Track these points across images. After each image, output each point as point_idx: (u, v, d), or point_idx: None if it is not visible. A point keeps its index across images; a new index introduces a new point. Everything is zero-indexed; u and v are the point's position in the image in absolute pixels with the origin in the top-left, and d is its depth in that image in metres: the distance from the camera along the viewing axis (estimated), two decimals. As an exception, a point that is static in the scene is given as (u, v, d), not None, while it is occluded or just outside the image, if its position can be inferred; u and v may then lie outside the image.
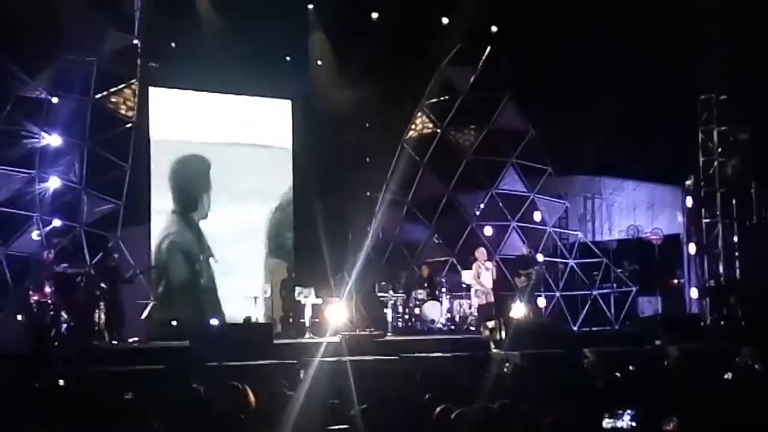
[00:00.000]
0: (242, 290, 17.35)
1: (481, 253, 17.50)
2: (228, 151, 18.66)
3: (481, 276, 17.34)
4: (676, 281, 19.17)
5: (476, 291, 17.39)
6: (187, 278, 17.92)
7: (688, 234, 18.98)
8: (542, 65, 17.58)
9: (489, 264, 17.45)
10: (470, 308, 17.60)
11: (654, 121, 17.26)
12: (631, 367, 8.28)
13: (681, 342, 13.00)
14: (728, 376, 7.35)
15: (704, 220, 18.68)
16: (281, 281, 17.72)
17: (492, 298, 17.18)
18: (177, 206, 18.00)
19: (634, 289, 18.17)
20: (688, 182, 18.91)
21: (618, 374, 7.83)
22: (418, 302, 17.65)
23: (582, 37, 17.15)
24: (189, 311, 17.36)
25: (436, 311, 17.60)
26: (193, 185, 18.22)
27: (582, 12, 17.25)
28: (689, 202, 18.88)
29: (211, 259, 18.06)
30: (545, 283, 18.37)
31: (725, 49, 17.59)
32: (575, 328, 17.65)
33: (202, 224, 18.21)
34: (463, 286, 18.25)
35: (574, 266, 18.53)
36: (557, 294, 18.32)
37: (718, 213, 18.47)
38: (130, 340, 15.36)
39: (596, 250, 18.69)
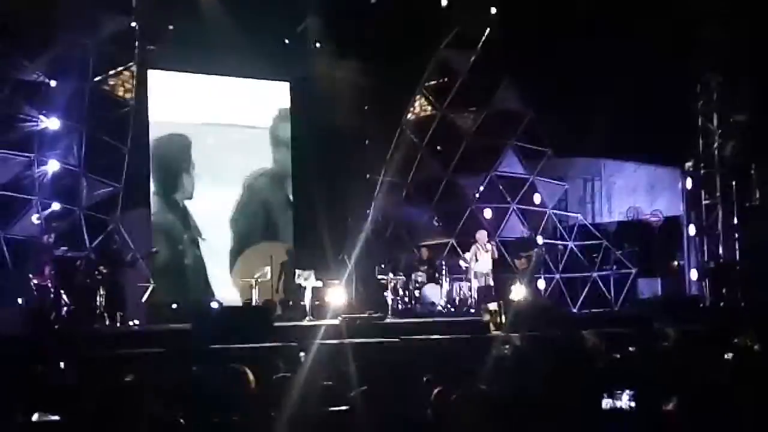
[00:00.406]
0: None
1: (481, 235, 17.50)
2: (226, 133, 18.67)
3: (478, 258, 17.33)
4: (675, 263, 19.17)
5: (475, 273, 17.39)
6: (170, 260, 17.92)
7: (687, 216, 18.96)
8: (541, 47, 17.51)
9: (489, 246, 17.44)
10: (470, 291, 17.61)
11: (653, 103, 17.21)
12: (630, 349, 8.28)
13: (681, 323, 13.00)
14: (728, 356, 7.36)
15: (704, 202, 18.66)
16: (281, 264, 17.72)
17: (491, 281, 17.20)
18: (158, 187, 18.09)
19: (633, 271, 18.19)
20: (687, 164, 18.88)
21: (617, 356, 7.84)
22: (417, 285, 17.67)
23: (582, 18, 17.09)
24: (175, 292, 17.41)
25: (435, 294, 17.62)
26: (172, 165, 18.28)
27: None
28: (689, 183, 18.85)
29: (199, 240, 18.09)
30: (545, 265, 18.38)
31: (724, 31, 17.50)
32: (575, 310, 17.68)
33: (189, 204, 18.22)
34: (463, 268, 18.26)
35: (574, 248, 18.55)
36: (557, 276, 18.35)
37: (717, 195, 18.44)
38: (131, 323, 15.38)
39: (596, 232, 18.70)
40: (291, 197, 19.44)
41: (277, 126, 19.53)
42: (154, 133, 18.09)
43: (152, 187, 18.02)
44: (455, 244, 18.85)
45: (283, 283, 17.58)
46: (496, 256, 17.38)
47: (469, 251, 17.57)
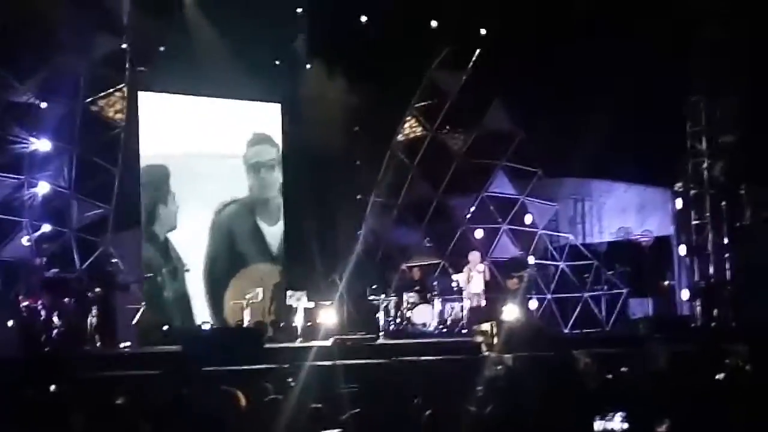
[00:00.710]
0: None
1: (474, 256, 17.47)
2: (214, 155, 18.61)
3: (470, 280, 17.31)
4: (666, 283, 19.21)
5: (467, 294, 17.38)
6: (152, 290, 17.68)
7: (678, 236, 19.01)
8: (531, 68, 17.60)
9: (481, 267, 17.42)
10: (462, 311, 17.59)
11: (643, 124, 17.30)
12: (622, 369, 8.28)
13: (672, 343, 13.01)
14: (720, 376, 7.36)
15: (694, 222, 18.72)
16: (272, 285, 17.67)
17: (483, 302, 17.18)
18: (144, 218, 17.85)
19: (624, 291, 18.21)
20: (677, 184, 18.95)
21: (609, 376, 7.84)
22: (409, 305, 17.63)
23: (571, 39, 17.19)
24: (164, 316, 17.28)
25: (427, 314, 17.58)
26: (151, 197, 17.95)
27: (571, 15, 17.30)
28: (679, 203, 18.92)
29: (182, 270, 17.85)
30: (536, 286, 18.39)
31: (713, 52, 17.64)
32: (566, 331, 17.68)
33: (172, 236, 18.02)
34: (454, 289, 18.25)
35: (565, 269, 18.58)
36: (548, 296, 18.36)
37: (707, 215, 18.51)
38: (122, 346, 15.30)
39: (587, 253, 18.74)
40: (277, 225, 19.25)
41: (264, 150, 19.42)
42: (164, 157, 17.97)
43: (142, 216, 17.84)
44: (446, 265, 18.85)
45: (274, 305, 17.51)
46: (488, 277, 17.36)
47: (461, 272, 17.55)
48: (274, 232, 19.10)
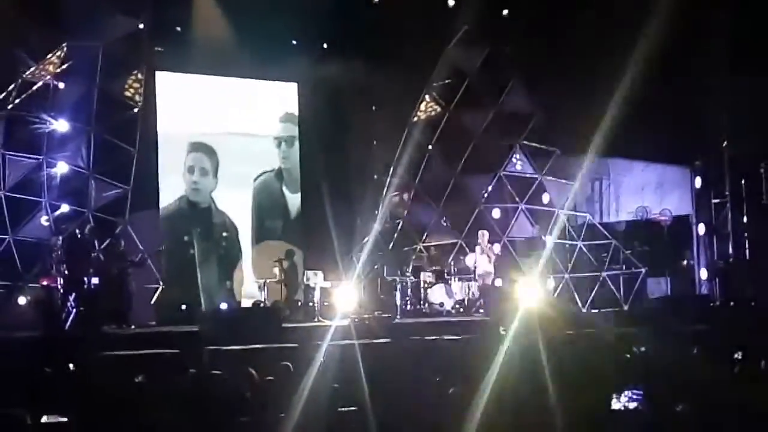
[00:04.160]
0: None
1: (481, 235, 17.43)
2: (233, 135, 18.68)
3: (477, 259, 17.26)
4: (685, 262, 19.12)
5: (478, 273, 17.32)
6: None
7: (697, 215, 18.90)
8: (549, 46, 17.48)
9: (489, 246, 17.33)
10: (477, 290, 17.58)
11: (662, 101, 17.15)
12: (641, 348, 8.27)
13: (690, 323, 12.98)
14: (738, 355, 7.33)
15: (713, 201, 18.59)
16: (290, 265, 17.67)
17: (491, 281, 17.11)
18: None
19: (643, 270, 18.13)
20: (696, 163, 18.82)
21: (627, 355, 7.83)
22: (426, 285, 17.63)
23: (589, 16, 17.05)
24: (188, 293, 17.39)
25: (444, 294, 17.57)
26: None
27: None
28: (698, 182, 18.79)
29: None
30: (554, 265, 18.33)
31: (733, 29, 17.45)
32: (584, 310, 17.63)
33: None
34: (470, 268, 18.25)
35: (583, 248, 18.50)
36: (566, 276, 18.30)
37: (727, 193, 18.37)
38: (134, 326, 15.32)
39: (605, 232, 18.65)
40: (299, 198, 19.37)
41: (284, 127, 19.47)
42: (181, 136, 18.07)
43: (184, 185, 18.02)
44: (463, 244, 18.82)
45: (288, 282, 17.56)
46: (493, 255, 17.25)
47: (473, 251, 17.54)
48: (295, 197, 19.37)
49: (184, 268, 17.60)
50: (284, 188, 19.33)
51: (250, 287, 17.80)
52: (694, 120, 18.11)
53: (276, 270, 17.18)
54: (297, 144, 19.43)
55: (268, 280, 16.90)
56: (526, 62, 18.23)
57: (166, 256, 17.46)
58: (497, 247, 17.56)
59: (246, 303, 17.09)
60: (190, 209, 18.09)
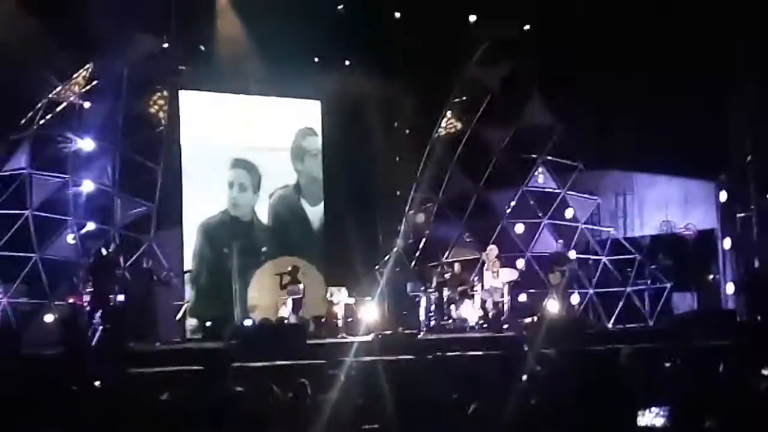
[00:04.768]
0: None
1: (489, 251, 17.26)
2: (259, 147, 18.80)
3: (484, 275, 17.13)
4: (711, 277, 18.95)
5: (488, 289, 17.12)
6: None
7: (722, 229, 18.75)
8: (571, 60, 17.47)
9: (495, 262, 17.14)
10: (503, 306, 17.49)
11: (685, 115, 17.08)
12: (666, 364, 8.20)
13: (717, 338, 12.86)
14: (766, 372, 7.25)
15: (738, 215, 18.44)
16: (292, 281, 17.58)
17: (502, 297, 16.90)
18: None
19: (668, 285, 17.99)
20: (721, 176, 18.69)
21: (653, 371, 7.77)
22: (450, 301, 17.59)
23: (612, 32, 17.04)
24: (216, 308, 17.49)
25: (468, 310, 17.52)
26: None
27: (611, 7, 17.15)
28: (723, 196, 18.65)
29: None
30: (578, 280, 18.24)
31: (758, 42, 17.35)
32: (609, 325, 17.52)
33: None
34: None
35: (607, 263, 18.40)
36: (590, 291, 18.20)
37: (752, 207, 18.23)
38: (159, 343, 15.40)
39: (629, 247, 18.54)
40: (319, 211, 19.44)
41: (304, 141, 19.56)
42: (205, 155, 18.27)
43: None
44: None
45: (315, 301, 17.61)
46: (498, 271, 17.04)
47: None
48: (315, 211, 19.48)
49: (221, 280, 17.71)
50: (303, 201, 19.41)
51: (255, 302, 17.79)
52: (717, 133, 18.00)
53: (301, 286, 17.22)
54: (317, 158, 19.49)
55: (291, 297, 16.94)
56: (547, 77, 18.20)
57: (205, 269, 17.65)
58: (505, 273, 17.25)
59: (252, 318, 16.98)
60: (232, 223, 18.43)
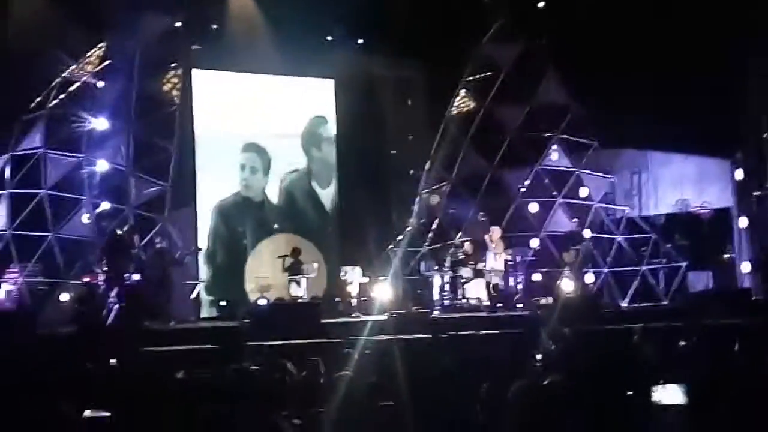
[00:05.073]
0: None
1: (491, 231, 16.84)
2: (271, 133, 18.81)
3: (487, 256, 16.77)
4: (726, 255, 18.87)
5: (489, 271, 16.79)
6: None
7: (738, 207, 18.64)
8: (585, 38, 17.34)
9: (498, 243, 16.79)
10: (516, 285, 17.46)
11: (701, 93, 16.95)
12: (681, 343, 8.18)
13: (732, 317, 12.82)
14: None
15: (754, 193, 18.33)
16: (295, 262, 17.54)
17: (499, 279, 16.67)
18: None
19: (683, 264, 17.92)
20: (737, 154, 18.56)
21: (668, 350, 7.75)
22: (463, 280, 17.57)
23: (627, 7, 16.89)
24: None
25: (481, 289, 17.50)
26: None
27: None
28: (739, 174, 18.53)
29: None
30: (593, 260, 18.19)
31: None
32: (624, 305, 17.49)
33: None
34: (509, 263, 18.15)
35: (622, 242, 18.34)
36: (605, 270, 18.14)
37: (768, 185, 18.11)
38: (174, 322, 15.46)
39: (644, 226, 18.47)
40: (331, 192, 19.45)
41: (317, 129, 19.53)
42: (218, 134, 18.32)
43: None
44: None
45: (329, 279, 17.62)
46: (502, 252, 16.81)
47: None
48: (327, 193, 19.55)
49: (236, 259, 18.04)
50: (314, 184, 19.41)
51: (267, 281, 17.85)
52: (733, 111, 17.86)
53: (315, 265, 17.22)
54: (329, 144, 19.46)
55: (306, 276, 16.96)
56: (561, 55, 18.07)
57: (221, 248, 17.82)
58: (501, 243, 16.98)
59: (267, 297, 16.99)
60: (245, 203, 18.60)
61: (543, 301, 14.55)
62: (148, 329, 14.13)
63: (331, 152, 19.59)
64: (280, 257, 17.29)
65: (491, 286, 16.61)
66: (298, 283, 16.85)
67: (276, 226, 18.57)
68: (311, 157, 19.43)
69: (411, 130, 20.43)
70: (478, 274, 17.59)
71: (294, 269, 17.04)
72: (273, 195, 18.98)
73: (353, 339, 10.79)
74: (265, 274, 17.72)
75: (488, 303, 16.75)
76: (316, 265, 17.28)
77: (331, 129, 19.57)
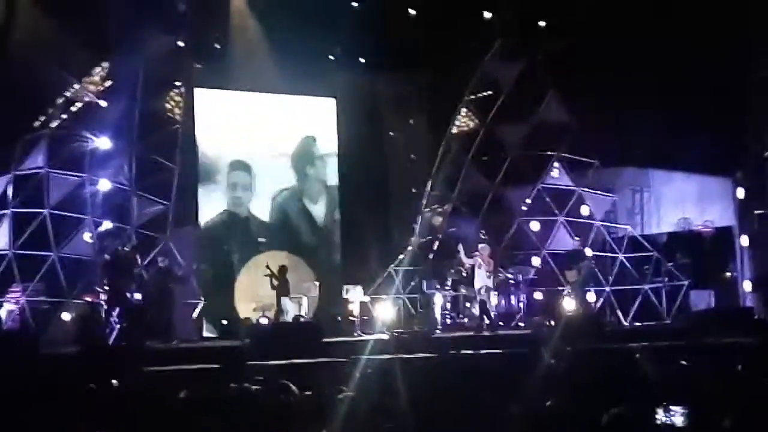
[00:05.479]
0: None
1: (481, 249, 16.57)
2: (272, 152, 18.84)
3: (477, 272, 16.40)
4: (728, 274, 18.85)
5: (477, 287, 16.42)
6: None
7: (740, 226, 18.64)
8: (587, 56, 17.40)
9: (490, 261, 16.46)
10: (519, 304, 17.44)
11: (702, 111, 16.98)
12: (683, 362, 8.16)
13: (734, 336, 12.80)
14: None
15: (756, 212, 18.33)
16: (283, 281, 17.47)
17: (490, 296, 16.39)
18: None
19: (685, 282, 17.91)
20: (738, 173, 18.58)
21: (670, 370, 7.73)
22: (465, 299, 17.56)
23: (628, 28, 16.96)
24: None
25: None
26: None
27: (628, 3, 17.07)
28: (741, 193, 18.54)
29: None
30: (595, 278, 18.17)
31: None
32: (626, 323, 17.46)
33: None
34: (510, 282, 18.18)
35: (624, 260, 18.33)
36: (607, 289, 18.13)
37: (770, 204, 18.11)
38: (176, 341, 15.46)
39: (646, 244, 18.46)
40: (322, 208, 19.46)
41: (308, 148, 19.53)
42: (221, 153, 18.38)
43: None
44: (502, 258, 18.70)
45: (330, 299, 17.61)
46: (491, 270, 16.65)
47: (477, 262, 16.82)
48: (318, 208, 19.48)
49: (225, 278, 17.95)
50: (306, 200, 19.40)
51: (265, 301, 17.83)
52: (735, 130, 17.90)
53: (312, 285, 17.22)
54: (320, 159, 19.44)
55: (307, 295, 16.97)
56: (563, 73, 18.13)
57: (211, 268, 17.74)
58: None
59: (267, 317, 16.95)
60: (231, 221, 18.50)
61: (544, 320, 14.50)
62: (150, 349, 14.13)
63: (323, 170, 19.53)
64: (267, 275, 17.22)
65: (481, 303, 16.31)
66: (293, 302, 16.80)
67: (262, 240, 18.47)
68: (304, 175, 19.35)
69: (412, 149, 20.48)
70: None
71: (282, 288, 17.00)
72: (261, 212, 18.82)
73: (355, 359, 10.77)
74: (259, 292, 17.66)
75: (483, 322, 16.48)
76: (317, 283, 17.26)
77: (322, 147, 19.53)
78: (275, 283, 16.97)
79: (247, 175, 18.73)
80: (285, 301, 16.72)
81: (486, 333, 15.91)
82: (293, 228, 19.18)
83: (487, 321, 16.18)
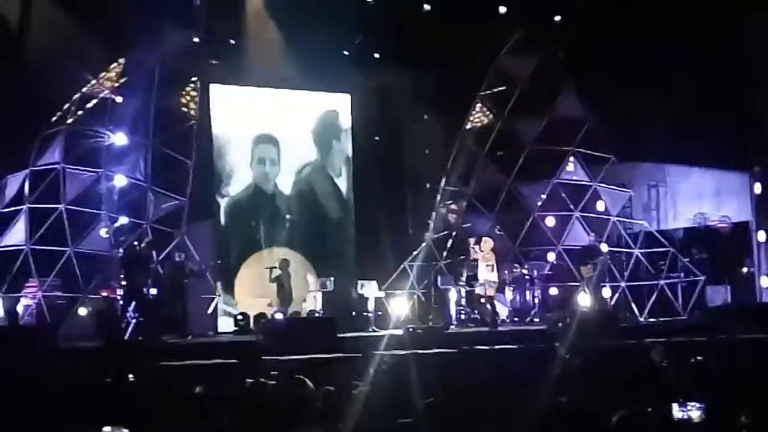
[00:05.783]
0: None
1: (483, 242, 16.40)
2: (287, 146, 18.89)
3: (479, 269, 16.32)
4: (745, 270, 18.75)
5: (481, 281, 16.30)
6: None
7: (757, 221, 18.53)
8: (603, 51, 17.33)
9: (490, 255, 16.26)
10: (534, 300, 17.40)
11: (719, 106, 16.88)
12: (699, 358, 8.13)
13: (751, 332, 12.73)
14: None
15: (773, 207, 18.23)
16: (284, 274, 17.43)
17: (492, 291, 16.26)
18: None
19: (702, 278, 17.82)
20: (756, 168, 18.47)
21: (686, 365, 7.70)
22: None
23: (644, 22, 16.87)
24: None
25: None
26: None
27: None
28: (758, 188, 18.43)
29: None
30: (610, 274, 18.10)
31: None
32: (642, 319, 17.40)
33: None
34: (525, 277, 18.15)
35: (640, 256, 18.25)
36: (623, 284, 18.05)
37: (788, 198, 18.01)
38: (191, 336, 15.51)
39: (662, 240, 18.38)
40: (345, 181, 19.51)
41: (330, 123, 19.56)
42: (237, 148, 18.45)
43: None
44: (517, 253, 18.69)
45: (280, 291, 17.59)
46: (494, 264, 16.56)
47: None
48: (341, 181, 19.65)
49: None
50: (330, 173, 19.51)
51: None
52: (751, 125, 17.78)
53: (328, 280, 17.23)
54: (345, 132, 19.53)
55: (321, 289, 16.98)
56: (579, 68, 18.06)
57: (236, 242, 18.00)
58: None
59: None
60: (259, 196, 18.68)
61: (559, 316, 14.45)
62: (165, 343, 14.18)
63: (347, 144, 19.62)
64: (267, 268, 17.24)
65: (487, 297, 16.20)
66: (315, 297, 16.87)
67: (288, 216, 18.69)
68: (329, 149, 19.43)
69: (427, 144, 20.44)
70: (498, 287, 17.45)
71: (281, 281, 17.02)
72: (285, 187, 18.96)
73: (370, 354, 10.77)
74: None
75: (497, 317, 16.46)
76: (332, 279, 17.27)
77: (345, 122, 19.61)
78: (274, 275, 17.03)
79: (274, 148, 18.86)
80: (297, 295, 16.81)
81: (501, 328, 15.89)
82: (318, 200, 19.27)
83: (487, 318, 16.12)
